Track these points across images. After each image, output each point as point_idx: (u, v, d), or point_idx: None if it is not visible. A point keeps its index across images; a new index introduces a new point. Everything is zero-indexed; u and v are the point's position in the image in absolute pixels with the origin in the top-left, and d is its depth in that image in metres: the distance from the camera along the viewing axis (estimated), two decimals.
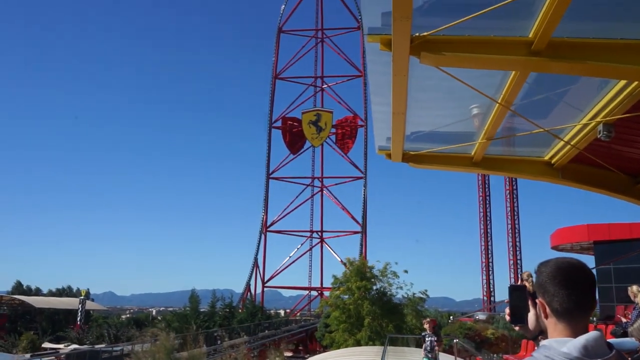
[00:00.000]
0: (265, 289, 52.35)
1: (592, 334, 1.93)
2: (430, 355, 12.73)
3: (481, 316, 54.34)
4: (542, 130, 7.13)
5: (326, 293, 49.00)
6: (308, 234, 52.30)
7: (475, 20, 4.87)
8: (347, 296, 33.25)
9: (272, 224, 51.54)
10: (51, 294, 67.33)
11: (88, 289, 53.70)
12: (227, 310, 49.44)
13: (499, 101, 6.44)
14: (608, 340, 1.98)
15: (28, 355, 30.56)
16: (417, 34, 5.13)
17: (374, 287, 33.63)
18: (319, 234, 52.32)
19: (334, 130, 51.70)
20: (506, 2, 4.56)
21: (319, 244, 52.12)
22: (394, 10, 4.57)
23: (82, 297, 50.52)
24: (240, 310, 52.32)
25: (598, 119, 6.57)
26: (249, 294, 51.35)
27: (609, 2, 5.12)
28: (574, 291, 1.95)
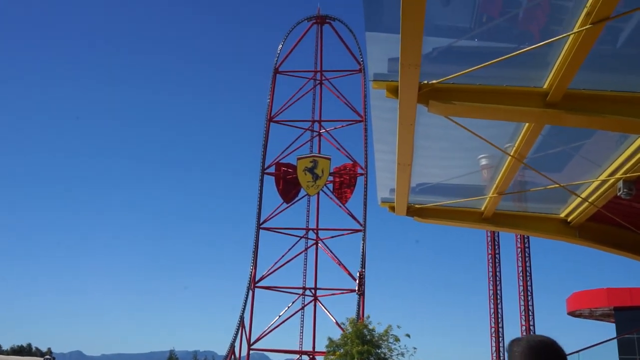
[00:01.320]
0: (251, 351, 51.14)
1: None
2: None
3: None
4: (557, 185, 7.21)
5: (319, 358, 47.89)
6: (300, 291, 51.48)
7: (487, 69, 5.01)
8: None
9: (261, 279, 50.81)
10: (13, 351, 65.68)
11: (49, 348, 52.34)
12: None
13: (511, 154, 6.53)
14: None
15: None
16: (425, 82, 5.26)
17: (374, 353, 32.94)
18: (312, 291, 51.56)
19: (331, 178, 51.82)
20: (520, 51, 4.71)
21: (312, 303, 51.23)
22: (402, 57, 4.70)
23: (47, 358, 49.22)
24: None
25: (618, 176, 6.65)
26: (232, 357, 50.19)
27: (628, 54, 5.29)
28: None
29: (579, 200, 7.90)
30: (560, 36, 4.58)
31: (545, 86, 5.09)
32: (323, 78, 54.53)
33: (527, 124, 5.98)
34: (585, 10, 4.22)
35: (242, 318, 50.38)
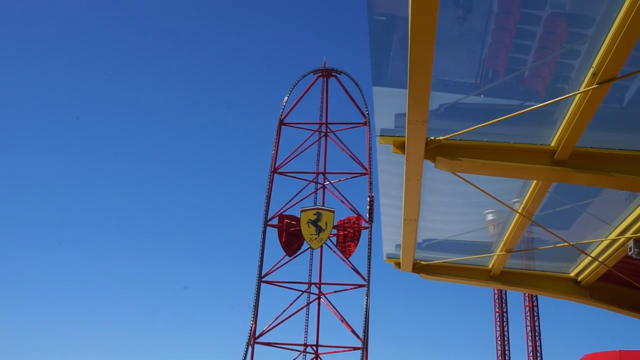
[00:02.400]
0: None
1: None
2: None
3: None
4: (566, 244, 7.16)
5: None
6: (301, 348, 50.46)
7: (494, 126, 5.07)
8: None
9: (261, 334, 49.87)
10: None
11: None
12: None
13: (519, 211, 6.52)
14: None
15: None
16: (432, 137, 5.31)
17: None
18: (314, 348, 50.50)
19: (335, 231, 51.57)
20: (527, 109, 4.77)
21: None
22: (409, 113, 4.76)
23: None
24: None
25: (628, 235, 6.62)
26: None
27: (635, 113, 5.35)
28: None
29: (588, 259, 7.82)
30: (567, 95, 4.64)
31: (552, 144, 5.13)
32: (328, 130, 55.13)
33: (534, 182, 5.99)
34: (592, 70, 4.30)
35: None
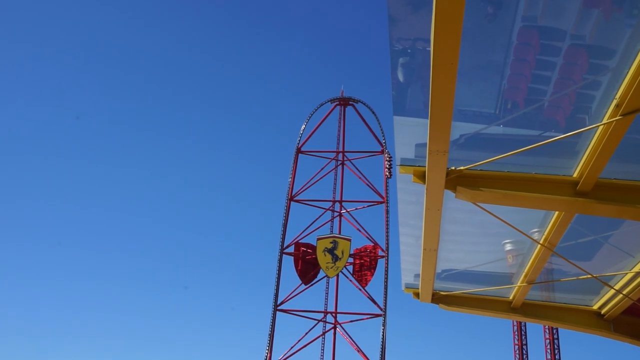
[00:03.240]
0: None
1: None
2: None
3: None
4: (589, 276, 7.04)
5: None
6: None
7: (515, 156, 5.06)
8: None
9: None
10: None
11: None
12: None
13: (541, 242, 6.45)
14: None
15: None
16: (453, 168, 5.31)
17: None
18: None
19: (351, 260, 51.27)
20: (549, 140, 4.76)
21: None
22: (429, 144, 4.78)
23: None
24: None
25: None
26: None
27: None
28: None
29: (612, 292, 7.68)
30: (590, 127, 4.63)
31: (575, 175, 5.10)
32: (345, 159, 55.24)
33: (557, 213, 5.94)
34: (615, 101, 4.29)
35: None
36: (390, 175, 47.97)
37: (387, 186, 52.07)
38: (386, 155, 50.52)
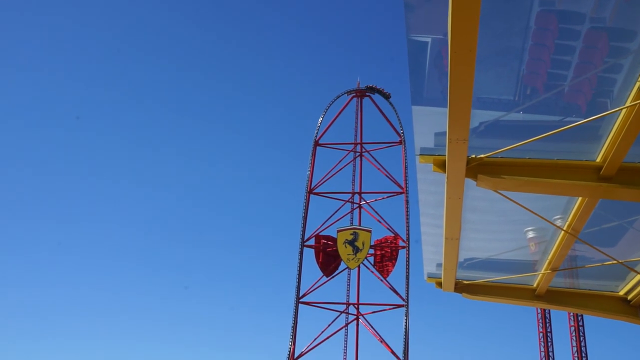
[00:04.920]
0: None
1: None
2: None
3: None
4: (615, 262, 6.96)
5: None
6: None
7: (536, 142, 5.00)
8: None
9: (300, 356, 49.64)
10: None
11: None
12: None
13: (564, 228, 6.39)
14: None
15: None
16: (473, 156, 5.27)
17: None
18: None
19: (372, 251, 51.31)
20: (571, 125, 4.70)
21: None
22: (449, 132, 4.75)
23: None
24: None
25: None
26: None
27: None
28: None
29: (638, 277, 7.58)
30: (613, 110, 4.56)
31: (598, 160, 5.03)
32: (363, 150, 55.17)
33: (580, 198, 5.87)
34: (638, 84, 4.22)
35: None
36: (390, 96, 48.72)
37: (406, 176, 51.88)
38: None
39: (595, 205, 5.94)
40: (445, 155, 5.16)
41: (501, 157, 5.26)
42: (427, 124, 5.69)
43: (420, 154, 5.54)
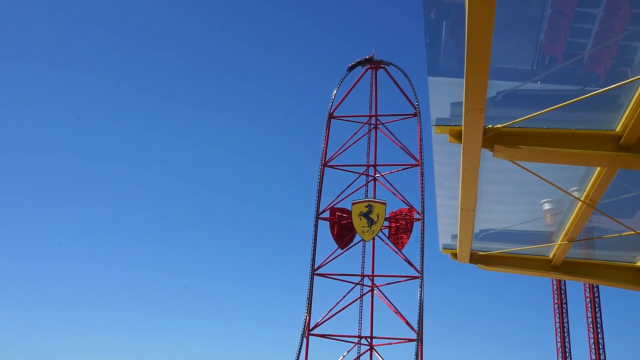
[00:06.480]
0: None
1: None
2: None
3: None
4: (633, 232, 6.91)
5: None
6: (356, 340, 50.70)
7: (555, 112, 4.94)
8: None
9: (315, 327, 50.35)
10: None
11: None
12: None
13: (582, 199, 6.34)
14: None
15: None
16: (490, 126, 5.23)
17: None
18: (368, 340, 50.62)
19: (387, 223, 51.44)
20: (590, 94, 4.63)
21: (368, 352, 50.21)
22: (465, 102, 4.70)
23: None
24: None
25: None
26: None
27: None
28: None
29: None
30: (633, 78, 4.48)
31: (618, 129, 4.96)
32: (378, 122, 54.91)
33: (598, 169, 5.81)
34: None
35: None
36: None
37: (421, 149, 51.64)
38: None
39: (614, 175, 5.88)
40: (461, 126, 5.11)
41: (518, 127, 5.21)
42: (443, 94, 5.64)
43: (436, 125, 5.50)
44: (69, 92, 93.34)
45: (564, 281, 51.23)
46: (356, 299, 53.37)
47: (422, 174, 52.10)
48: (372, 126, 54.99)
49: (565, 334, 53.60)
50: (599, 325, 51.54)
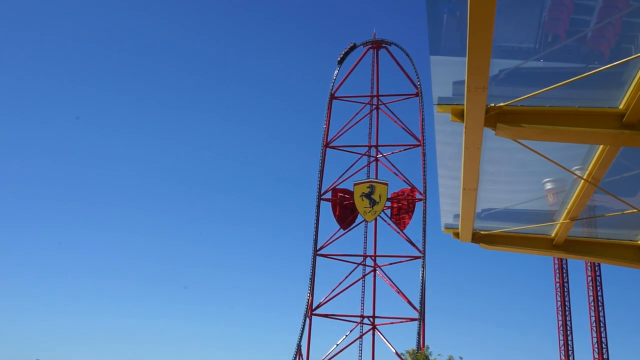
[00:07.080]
0: None
1: None
2: None
3: None
4: (635, 211, 6.91)
5: None
6: (358, 319, 50.99)
7: (557, 90, 4.91)
8: None
9: (318, 306, 50.63)
10: None
11: None
12: None
13: (584, 177, 6.33)
14: None
15: None
16: (492, 105, 5.20)
17: None
18: (371, 319, 50.94)
19: (389, 203, 51.46)
20: (593, 71, 4.59)
21: (371, 331, 50.61)
22: (468, 80, 4.66)
23: None
24: None
25: None
26: None
27: None
28: None
29: None
30: (637, 55, 4.44)
31: (621, 107, 4.93)
32: (379, 103, 54.61)
33: (601, 147, 5.78)
34: None
35: (299, 346, 50.25)
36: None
37: (423, 129, 51.47)
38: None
39: (617, 153, 5.86)
40: (463, 105, 5.08)
41: (521, 106, 5.18)
42: (445, 73, 5.60)
43: (438, 104, 5.47)
44: (69, 96, 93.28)
45: (566, 260, 51.41)
46: (358, 279, 53.67)
47: (424, 154, 52.04)
48: (374, 106, 54.73)
49: (567, 312, 53.93)
50: (600, 304, 51.80)
